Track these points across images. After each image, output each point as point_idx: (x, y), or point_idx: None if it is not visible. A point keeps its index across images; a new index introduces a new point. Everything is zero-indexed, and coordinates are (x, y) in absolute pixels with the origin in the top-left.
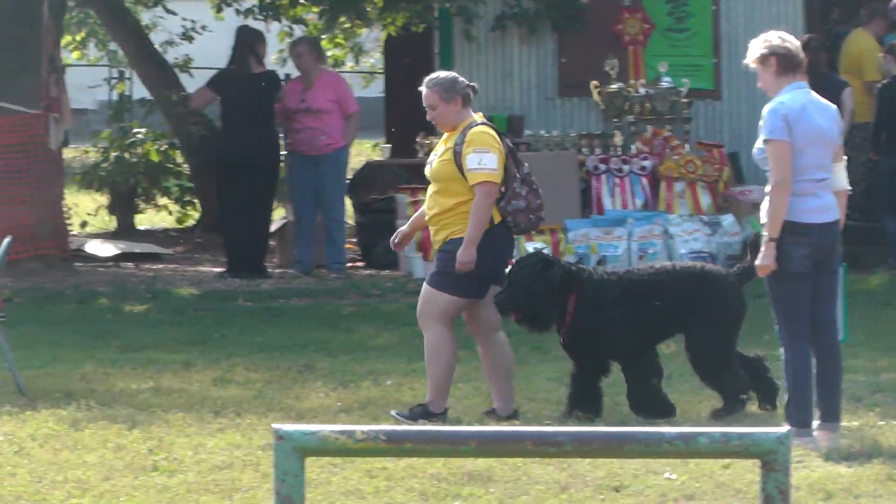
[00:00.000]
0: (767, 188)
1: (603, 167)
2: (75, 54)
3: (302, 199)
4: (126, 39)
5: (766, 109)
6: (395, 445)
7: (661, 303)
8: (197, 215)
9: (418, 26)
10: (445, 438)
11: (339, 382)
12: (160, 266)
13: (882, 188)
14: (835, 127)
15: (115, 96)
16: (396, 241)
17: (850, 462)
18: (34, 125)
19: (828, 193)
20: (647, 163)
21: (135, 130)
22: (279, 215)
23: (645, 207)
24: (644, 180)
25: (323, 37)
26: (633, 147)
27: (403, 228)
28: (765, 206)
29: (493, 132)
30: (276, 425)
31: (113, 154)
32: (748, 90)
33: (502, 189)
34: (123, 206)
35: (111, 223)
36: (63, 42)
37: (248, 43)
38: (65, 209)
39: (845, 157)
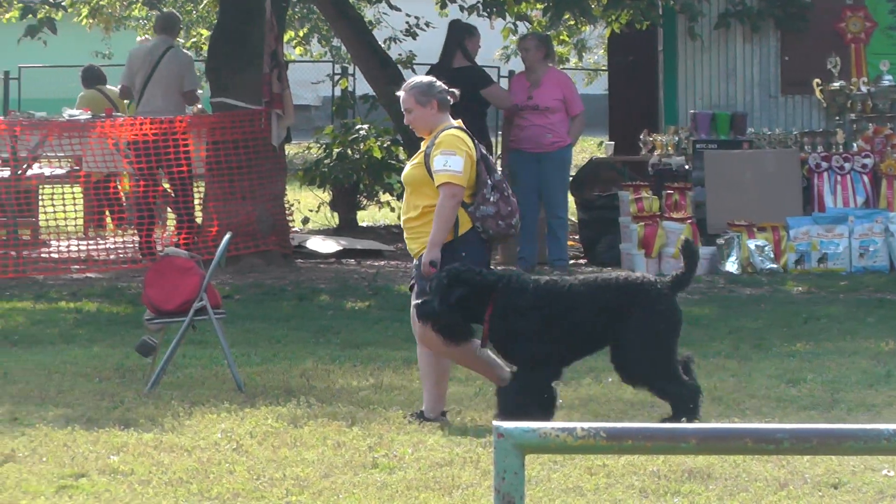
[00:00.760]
0: None
1: (825, 165)
2: (298, 50)
3: (525, 195)
4: (349, 36)
5: None
6: (615, 443)
7: (580, 314)
8: None
9: (642, 24)
10: (665, 435)
11: (561, 379)
12: (381, 262)
13: None
14: None
15: (337, 92)
16: None
17: None
18: (256, 121)
19: None
20: (868, 160)
21: (357, 127)
22: None
23: (866, 205)
24: (865, 178)
25: (548, 33)
26: (854, 145)
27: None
28: None
29: (464, 136)
30: (496, 422)
31: (335, 150)
32: None
33: (472, 195)
34: (345, 203)
35: (333, 220)
36: (286, 38)
37: (456, 38)
38: (286, 205)
39: None
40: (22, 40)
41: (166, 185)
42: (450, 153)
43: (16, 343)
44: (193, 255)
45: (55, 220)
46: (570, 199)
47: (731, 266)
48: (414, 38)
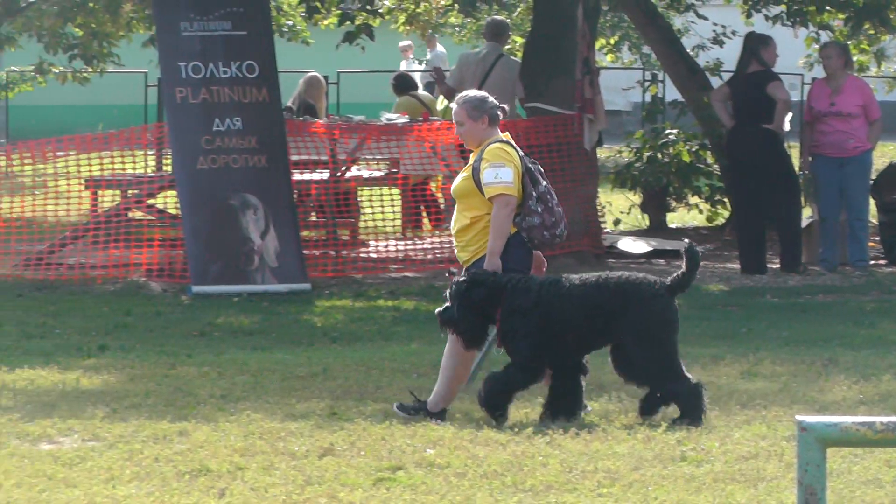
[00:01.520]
0: None
1: None
2: (609, 57)
3: (827, 199)
4: (658, 43)
5: None
6: None
7: (582, 313)
8: (727, 214)
9: None
10: None
11: (861, 376)
12: None
13: None
14: None
15: (647, 98)
16: None
17: None
18: (569, 125)
19: None
20: None
21: (667, 132)
22: (806, 214)
23: None
24: None
25: (848, 42)
26: None
27: None
28: None
29: (510, 148)
30: (799, 417)
31: (646, 154)
32: None
33: (518, 206)
34: (655, 205)
35: (643, 221)
36: (597, 45)
37: (751, 48)
38: (598, 207)
39: None
40: (341, 46)
41: None
42: (499, 165)
43: (335, 340)
44: None
45: (373, 220)
46: (871, 202)
47: None
48: (721, 46)
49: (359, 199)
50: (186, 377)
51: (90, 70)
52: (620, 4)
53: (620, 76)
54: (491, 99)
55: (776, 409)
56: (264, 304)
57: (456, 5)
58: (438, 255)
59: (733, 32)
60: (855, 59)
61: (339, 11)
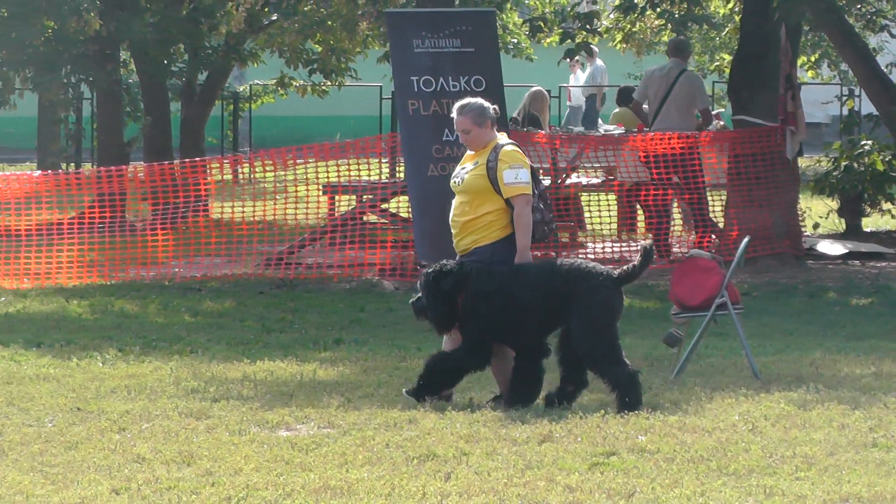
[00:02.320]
0: None
1: None
2: (809, 73)
3: None
4: (855, 61)
5: None
6: None
7: (537, 297)
8: None
9: None
10: None
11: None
12: (883, 264)
13: None
14: None
15: (845, 112)
16: None
17: None
18: (772, 136)
19: None
20: None
21: (862, 143)
22: None
23: None
24: None
25: None
26: None
27: None
28: None
29: (521, 151)
30: None
31: (842, 163)
32: None
33: None
34: (851, 210)
35: (840, 225)
36: (799, 62)
37: None
38: (799, 212)
39: None
40: (562, 62)
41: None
42: (518, 167)
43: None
44: (715, 256)
45: (591, 224)
46: None
47: None
48: None
49: (580, 203)
50: (416, 369)
51: (329, 83)
52: (820, 25)
53: (820, 91)
54: (488, 104)
55: None
56: None
57: (669, 25)
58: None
59: None
60: None
61: (560, 30)
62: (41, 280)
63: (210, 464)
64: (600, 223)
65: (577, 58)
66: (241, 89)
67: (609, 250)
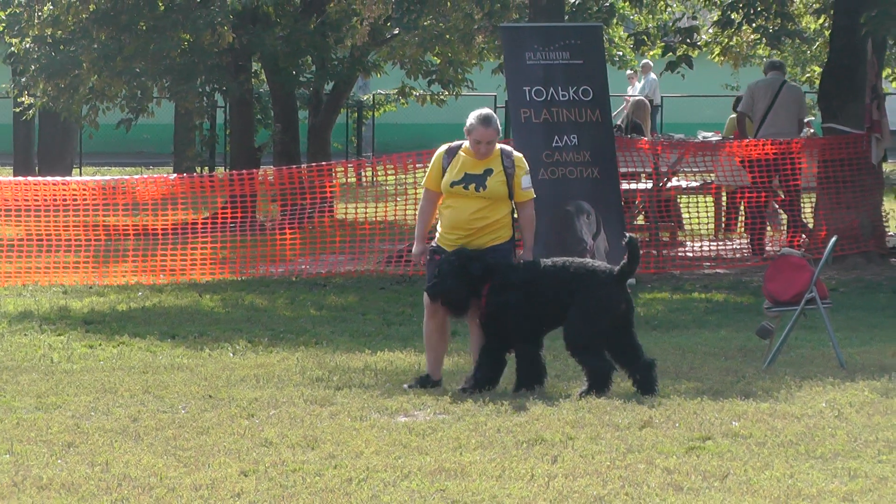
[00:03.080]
0: None
1: None
2: (894, 84)
3: None
4: None
5: None
6: None
7: (551, 292)
8: None
9: None
10: None
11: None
12: None
13: None
14: None
15: None
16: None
17: None
18: (859, 143)
19: None
20: None
21: None
22: None
23: None
24: None
25: None
26: None
27: (421, 248)
28: None
29: None
30: None
31: None
32: None
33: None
34: None
35: None
36: (884, 73)
37: None
38: (883, 213)
39: None
40: (664, 74)
41: (780, 194)
42: (528, 173)
43: (656, 327)
44: (806, 254)
45: (690, 224)
46: None
47: None
48: None
49: (679, 204)
50: None
51: (446, 93)
52: None
53: None
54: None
55: None
56: None
57: (763, 39)
58: (746, 255)
59: None
60: None
61: (662, 44)
62: (176, 276)
63: (333, 447)
64: (698, 223)
65: (635, 69)
66: (365, 98)
67: (707, 249)
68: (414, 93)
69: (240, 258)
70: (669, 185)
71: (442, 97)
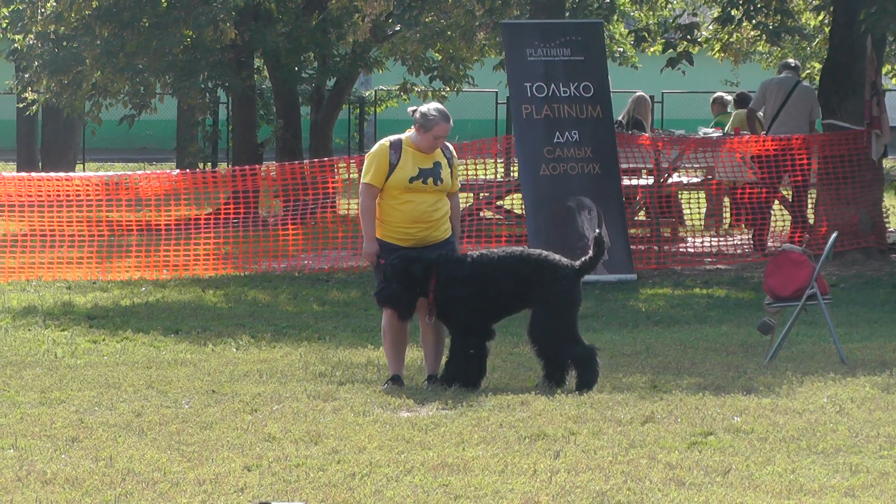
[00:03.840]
0: None
1: None
2: (893, 80)
3: None
4: None
5: None
6: None
7: (504, 284)
8: None
9: None
10: None
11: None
12: None
13: None
14: None
15: None
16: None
17: None
18: (859, 139)
19: None
20: None
21: None
22: None
23: None
24: None
25: None
26: None
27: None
28: None
29: None
30: None
31: None
32: None
33: None
34: None
35: None
36: (883, 70)
37: None
38: (883, 210)
39: None
40: (664, 70)
41: (785, 192)
42: None
43: (657, 322)
44: (806, 250)
45: (691, 220)
46: None
47: None
48: None
49: (679, 201)
50: (528, 354)
51: (448, 89)
52: None
53: None
54: None
55: None
56: (596, 292)
57: (763, 36)
58: (746, 251)
59: None
60: None
61: (663, 40)
62: (179, 271)
63: (336, 442)
64: (700, 219)
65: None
66: (367, 94)
67: (708, 244)
68: (415, 89)
69: (242, 254)
70: (671, 181)
71: (443, 93)
